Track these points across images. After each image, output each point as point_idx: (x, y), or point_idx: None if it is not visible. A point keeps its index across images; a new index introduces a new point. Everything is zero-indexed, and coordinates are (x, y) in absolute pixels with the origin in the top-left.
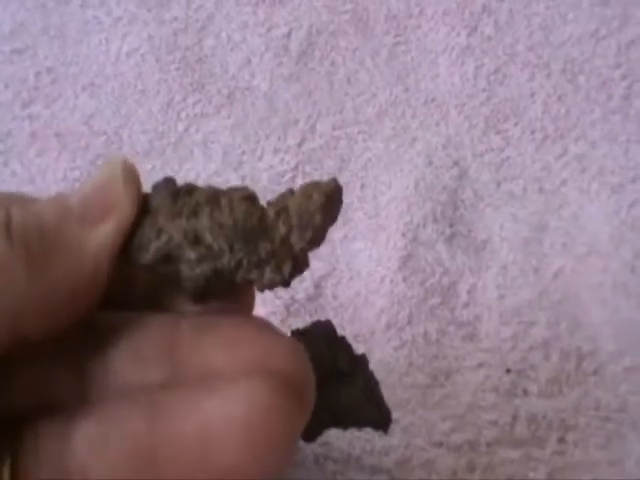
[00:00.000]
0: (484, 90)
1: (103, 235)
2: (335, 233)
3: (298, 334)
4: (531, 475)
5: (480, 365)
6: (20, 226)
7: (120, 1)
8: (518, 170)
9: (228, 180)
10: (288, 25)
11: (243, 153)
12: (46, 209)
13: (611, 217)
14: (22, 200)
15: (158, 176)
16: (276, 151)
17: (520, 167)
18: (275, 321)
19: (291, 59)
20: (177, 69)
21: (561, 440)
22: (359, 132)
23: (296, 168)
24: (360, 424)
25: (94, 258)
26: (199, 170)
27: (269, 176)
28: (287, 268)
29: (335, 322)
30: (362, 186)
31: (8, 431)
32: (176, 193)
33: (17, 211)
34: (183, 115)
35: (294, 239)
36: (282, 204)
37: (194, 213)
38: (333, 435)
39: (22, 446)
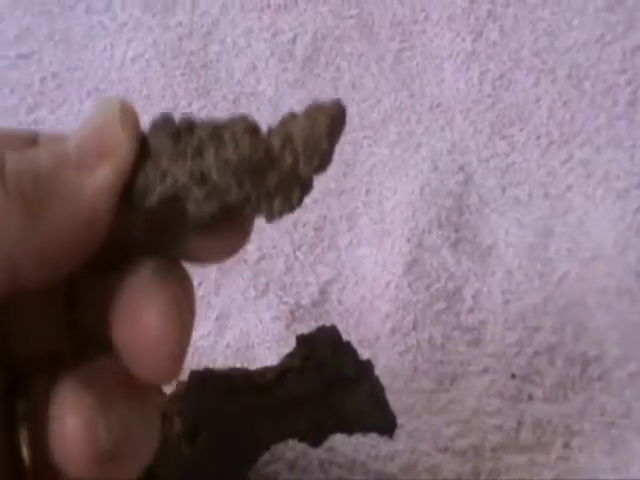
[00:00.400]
0: (489, 95)
1: (101, 180)
2: (340, 239)
3: (303, 340)
4: None
5: (485, 370)
6: (15, 172)
7: (125, 6)
8: (523, 175)
9: None
10: (293, 31)
11: None
12: (42, 155)
13: (616, 222)
14: (18, 143)
15: None
16: None
17: (525, 172)
18: (280, 326)
19: (296, 64)
20: (182, 74)
21: (566, 445)
22: (364, 137)
23: None
24: (365, 429)
25: (91, 204)
26: None
27: None
28: (296, 196)
29: (340, 327)
30: (367, 191)
31: (19, 386)
32: (177, 132)
33: (12, 157)
34: None
35: (301, 167)
36: (286, 132)
37: (198, 152)
38: (338, 440)
39: (34, 404)
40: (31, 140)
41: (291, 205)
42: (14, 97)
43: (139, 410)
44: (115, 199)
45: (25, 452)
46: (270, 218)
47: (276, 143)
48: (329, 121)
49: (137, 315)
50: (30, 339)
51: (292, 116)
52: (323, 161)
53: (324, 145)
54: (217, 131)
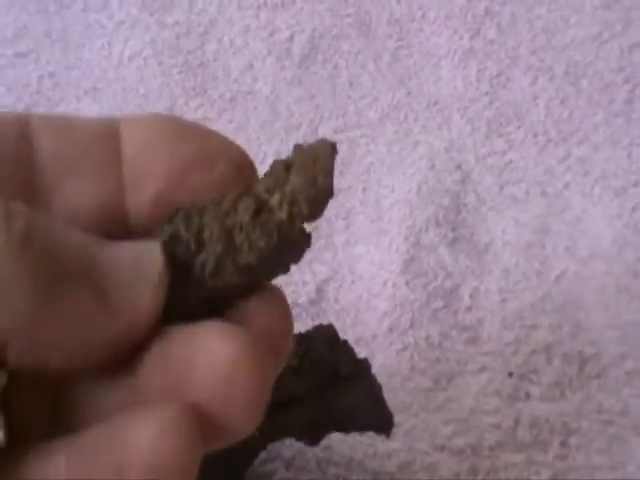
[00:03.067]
0: (487, 93)
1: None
2: (337, 237)
3: (300, 338)
4: (533, 479)
5: (482, 369)
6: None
7: (122, 5)
8: (521, 174)
9: None
10: (290, 29)
11: None
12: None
13: (614, 220)
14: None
15: None
16: (278, 155)
17: (523, 171)
18: None
19: (293, 63)
20: (179, 73)
21: (563, 444)
22: (361, 136)
23: None
24: (362, 428)
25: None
26: None
27: None
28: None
29: (337, 326)
30: (364, 190)
31: None
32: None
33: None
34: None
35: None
36: (285, 192)
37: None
38: (335, 439)
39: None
40: (22, 125)
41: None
42: (11, 96)
43: None
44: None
45: None
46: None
47: (283, 214)
48: (328, 176)
49: None
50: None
51: (284, 166)
52: (327, 203)
53: (328, 195)
54: (226, 234)
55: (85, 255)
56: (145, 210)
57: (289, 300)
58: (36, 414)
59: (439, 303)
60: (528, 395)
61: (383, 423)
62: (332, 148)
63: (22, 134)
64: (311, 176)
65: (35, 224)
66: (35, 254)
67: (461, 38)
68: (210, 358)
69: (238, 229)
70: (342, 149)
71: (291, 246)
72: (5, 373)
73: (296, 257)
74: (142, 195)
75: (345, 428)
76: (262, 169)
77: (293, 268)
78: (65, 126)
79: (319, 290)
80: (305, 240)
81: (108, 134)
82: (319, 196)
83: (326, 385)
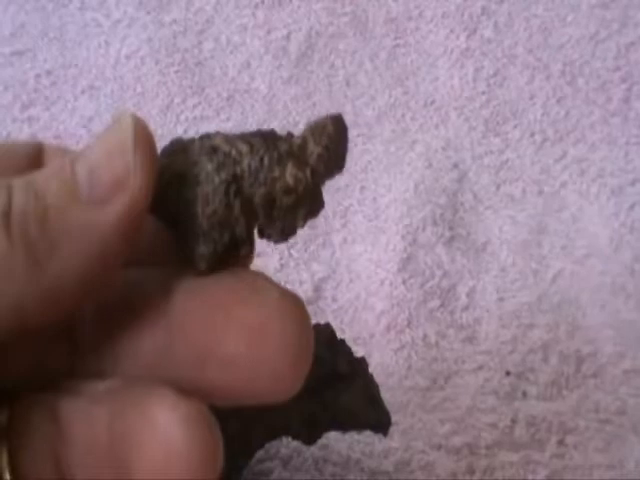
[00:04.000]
0: (483, 92)
1: (114, 216)
2: (334, 236)
3: None
4: (530, 478)
5: (479, 368)
6: (21, 215)
7: (119, 3)
8: (517, 173)
9: None
10: (287, 28)
11: None
12: (50, 189)
13: (610, 220)
14: (22, 158)
15: None
16: None
17: (519, 170)
18: None
19: (290, 62)
20: (176, 72)
21: (560, 443)
22: (358, 135)
23: None
24: (359, 427)
25: (103, 243)
26: None
27: None
28: (308, 172)
29: (335, 325)
30: (361, 189)
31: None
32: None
33: (19, 196)
34: (182, 118)
35: (311, 147)
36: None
37: (207, 137)
38: (332, 438)
39: (16, 425)
40: (35, 153)
41: (305, 175)
42: (8, 94)
43: None
44: (129, 232)
45: (4, 465)
46: (285, 187)
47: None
48: (331, 116)
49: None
50: (26, 361)
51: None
52: (331, 141)
53: (329, 129)
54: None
55: (63, 211)
56: None
57: None
58: (57, 360)
59: (436, 302)
60: (525, 394)
61: (380, 422)
62: (340, 116)
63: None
64: (314, 123)
65: (14, 196)
66: (17, 223)
67: (458, 37)
68: (155, 434)
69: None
70: None
71: (289, 150)
72: (6, 411)
73: (299, 165)
74: None
75: (342, 427)
76: None
77: (290, 266)
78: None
79: (316, 289)
80: (307, 162)
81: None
82: (323, 126)
83: (323, 384)
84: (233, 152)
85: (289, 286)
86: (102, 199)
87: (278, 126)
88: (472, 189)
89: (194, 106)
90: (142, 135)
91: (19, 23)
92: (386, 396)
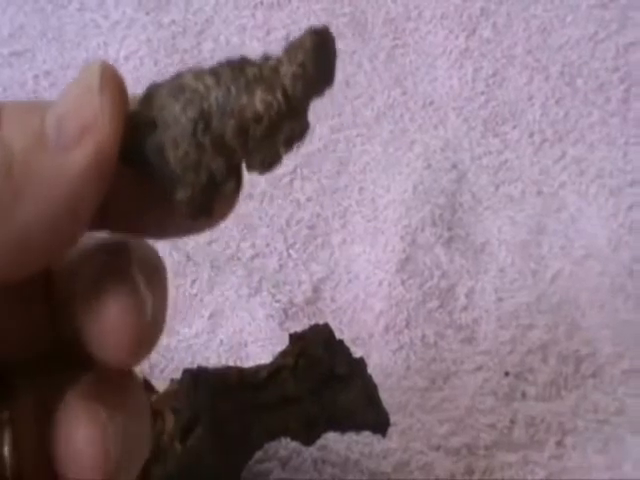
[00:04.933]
0: (482, 93)
1: (82, 160)
2: (333, 237)
3: (296, 338)
4: (529, 478)
5: (478, 368)
6: None
7: (118, 4)
8: (516, 173)
9: None
10: (286, 28)
11: None
12: (16, 136)
13: (609, 220)
14: None
15: None
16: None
17: (518, 170)
18: (273, 324)
19: None
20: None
21: (559, 443)
22: (357, 135)
23: (294, 171)
24: (358, 427)
25: (72, 189)
26: None
27: (267, 179)
28: (279, 93)
29: (333, 325)
30: (360, 189)
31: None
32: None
33: None
34: None
35: (284, 67)
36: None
37: (178, 76)
38: (331, 439)
39: (18, 404)
40: None
41: (276, 98)
42: (7, 95)
43: (135, 414)
44: (98, 178)
45: (7, 457)
46: (254, 113)
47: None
48: (312, 29)
49: (98, 304)
50: (12, 344)
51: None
52: (308, 58)
53: (307, 43)
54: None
55: (29, 157)
56: None
57: (285, 299)
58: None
59: (435, 303)
60: (524, 395)
61: (379, 423)
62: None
63: None
64: (294, 40)
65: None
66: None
67: (457, 37)
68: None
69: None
70: (338, 148)
71: (259, 74)
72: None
73: (269, 89)
74: None
75: (341, 428)
76: None
77: (289, 267)
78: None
79: (315, 289)
80: (280, 84)
81: None
82: (300, 43)
83: (322, 385)
84: (200, 87)
85: (288, 287)
86: (70, 145)
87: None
88: (471, 190)
89: None
90: (109, 78)
91: (18, 24)
92: (385, 396)
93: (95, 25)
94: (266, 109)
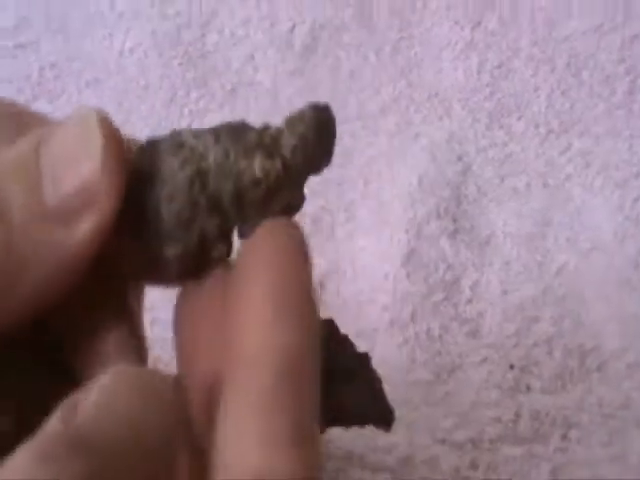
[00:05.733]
0: (488, 85)
1: (82, 235)
2: (338, 230)
3: None
4: (534, 472)
5: (483, 361)
6: None
7: None
8: (522, 165)
9: None
10: (292, 20)
11: None
12: (15, 203)
13: (615, 212)
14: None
15: None
16: None
17: (524, 162)
18: None
19: (294, 54)
20: (180, 64)
21: (564, 437)
22: (362, 127)
23: None
24: (363, 422)
25: (71, 261)
26: None
27: None
28: (278, 162)
29: (338, 319)
30: (365, 182)
31: None
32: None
33: None
34: (186, 111)
35: (284, 138)
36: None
37: (177, 133)
38: (335, 433)
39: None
40: (16, 125)
41: (275, 165)
42: (12, 87)
43: None
44: (97, 245)
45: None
46: (252, 180)
47: (260, 126)
48: (313, 103)
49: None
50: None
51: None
52: (308, 130)
53: (307, 116)
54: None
55: (30, 234)
56: None
57: None
58: None
59: (440, 295)
60: (529, 388)
61: (383, 417)
62: (323, 105)
63: None
64: (294, 113)
65: None
66: None
67: (462, 29)
68: None
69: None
70: (343, 141)
71: (259, 141)
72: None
73: (267, 156)
74: None
75: (345, 423)
76: None
77: None
78: None
79: (320, 283)
80: (278, 153)
81: None
82: (300, 116)
83: (326, 379)
84: (200, 146)
85: None
86: (71, 219)
87: (282, 119)
88: (476, 182)
89: (197, 99)
90: (111, 139)
91: (22, 15)
92: (389, 391)
93: (100, 16)
94: (265, 176)
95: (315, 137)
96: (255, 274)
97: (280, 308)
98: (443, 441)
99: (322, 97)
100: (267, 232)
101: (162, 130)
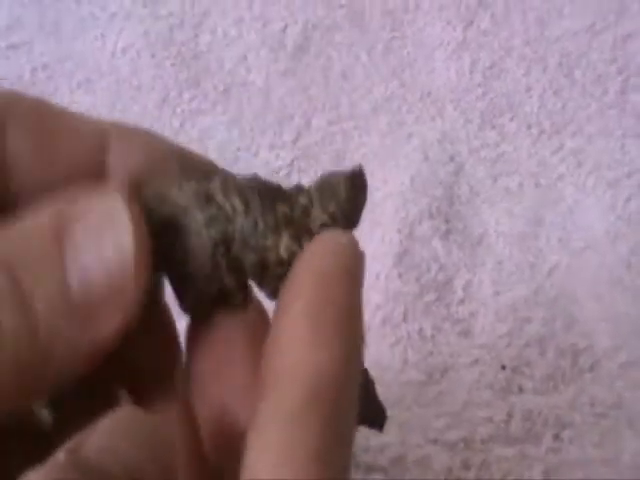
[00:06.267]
0: (480, 85)
1: (107, 329)
2: None
3: None
4: (526, 473)
5: (475, 362)
6: (12, 339)
7: None
8: (514, 165)
9: None
10: (284, 20)
11: (239, 149)
12: (39, 294)
13: (607, 212)
14: (24, 113)
15: None
16: (272, 147)
17: (516, 162)
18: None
19: (287, 54)
20: (173, 65)
21: (556, 437)
22: (355, 127)
23: (292, 164)
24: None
25: (96, 349)
26: None
27: (265, 172)
28: (306, 241)
29: None
30: None
31: None
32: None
33: (8, 319)
34: (179, 111)
35: (315, 212)
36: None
37: (206, 179)
38: None
39: None
40: (36, 111)
41: (300, 247)
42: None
43: None
44: (122, 333)
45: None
46: (277, 259)
47: (293, 189)
48: (349, 172)
49: None
50: None
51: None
52: (341, 210)
53: (342, 192)
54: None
55: (52, 331)
56: None
57: None
58: None
59: (432, 296)
60: (521, 388)
61: (376, 417)
62: (359, 169)
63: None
64: (328, 177)
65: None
66: (9, 343)
67: (454, 29)
68: None
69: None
70: (335, 141)
71: (290, 214)
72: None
73: (295, 236)
74: None
75: None
76: (256, 161)
77: None
78: None
79: None
80: (309, 230)
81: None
82: (333, 188)
83: None
84: (227, 206)
85: None
86: (96, 314)
87: (274, 119)
88: (468, 182)
89: (190, 99)
90: (139, 229)
91: (15, 16)
92: (381, 391)
93: (93, 17)
94: (290, 256)
95: (346, 214)
96: (300, 288)
97: (320, 325)
98: (435, 441)
99: (314, 97)
100: (319, 246)
101: (155, 131)
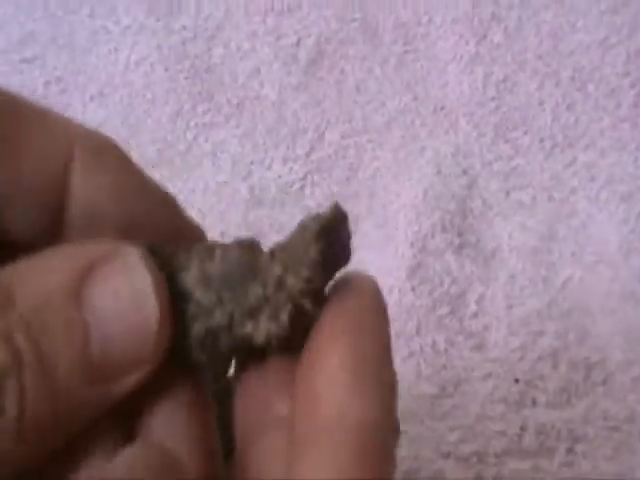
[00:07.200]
0: (493, 99)
1: (123, 390)
2: None
3: None
4: None
5: (488, 375)
6: (32, 402)
7: (129, 10)
8: (527, 179)
9: (237, 190)
10: (297, 34)
11: (252, 163)
12: (63, 365)
13: (620, 226)
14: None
15: (167, 185)
16: (285, 160)
17: (529, 176)
18: None
19: (300, 68)
20: (186, 78)
21: (569, 451)
22: (368, 141)
23: (305, 177)
24: None
25: (112, 406)
26: (208, 180)
27: (278, 185)
28: (285, 315)
29: None
30: (370, 195)
31: None
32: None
33: (31, 381)
34: (192, 124)
35: (290, 280)
36: (281, 244)
37: (186, 266)
38: None
39: None
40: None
41: (281, 326)
42: None
43: None
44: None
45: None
46: (262, 343)
47: (265, 256)
48: (317, 227)
49: None
50: None
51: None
52: (314, 273)
53: (313, 254)
54: (212, 247)
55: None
56: None
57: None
58: None
59: (445, 309)
60: (534, 402)
61: None
62: (335, 210)
63: None
64: (302, 230)
65: (27, 392)
66: (30, 418)
67: (467, 43)
68: None
69: (219, 251)
70: (349, 154)
71: (264, 294)
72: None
73: (273, 313)
74: None
75: None
76: (269, 174)
77: None
78: None
79: None
80: (286, 297)
81: None
82: (304, 248)
83: None
84: (205, 301)
85: None
86: (115, 378)
87: (288, 132)
88: (481, 195)
89: (203, 113)
90: (164, 304)
91: (28, 30)
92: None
93: (106, 31)
94: (268, 338)
95: (326, 265)
96: (333, 336)
97: (359, 375)
98: (448, 455)
99: (327, 111)
100: (346, 290)
101: (167, 144)
